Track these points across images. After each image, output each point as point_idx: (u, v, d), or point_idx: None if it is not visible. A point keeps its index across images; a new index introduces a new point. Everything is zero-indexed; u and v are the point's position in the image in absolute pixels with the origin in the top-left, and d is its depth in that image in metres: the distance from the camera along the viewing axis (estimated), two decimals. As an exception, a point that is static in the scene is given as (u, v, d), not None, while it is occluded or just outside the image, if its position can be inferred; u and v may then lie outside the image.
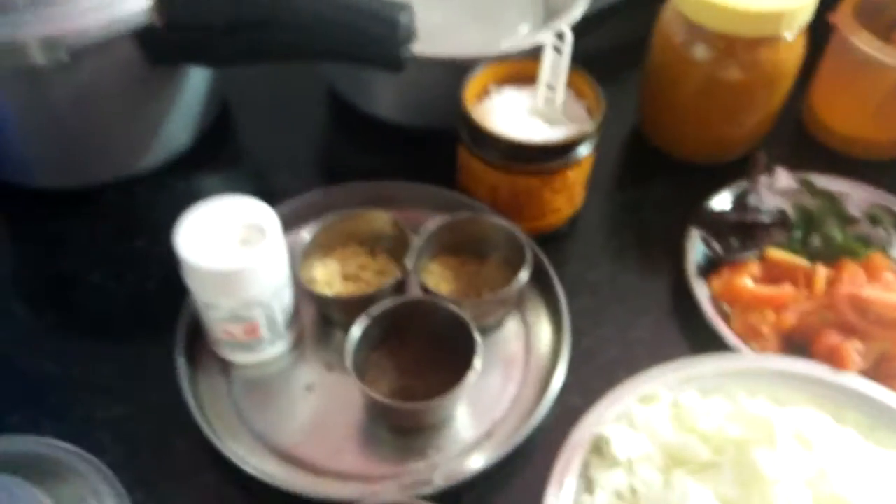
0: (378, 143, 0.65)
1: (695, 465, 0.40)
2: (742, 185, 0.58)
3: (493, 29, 0.66)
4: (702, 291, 0.53)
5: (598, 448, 0.43)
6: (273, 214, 0.47)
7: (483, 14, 0.67)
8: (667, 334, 0.53)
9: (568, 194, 0.56)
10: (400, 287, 0.52)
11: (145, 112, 0.58)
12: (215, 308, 0.47)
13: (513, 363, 0.51)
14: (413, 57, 0.53)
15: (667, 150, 0.64)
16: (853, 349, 0.47)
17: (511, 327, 0.53)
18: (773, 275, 0.52)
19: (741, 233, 0.55)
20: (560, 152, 0.53)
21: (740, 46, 0.55)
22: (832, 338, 0.47)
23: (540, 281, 0.53)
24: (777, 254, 0.53)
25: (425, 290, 0.51)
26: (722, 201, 0.57)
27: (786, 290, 0.51)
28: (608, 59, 0.65)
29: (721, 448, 0.40)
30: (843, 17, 0.60)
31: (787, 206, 0.57)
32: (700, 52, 0.56)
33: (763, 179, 0.58)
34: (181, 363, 0.49)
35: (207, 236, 0.45)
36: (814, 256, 0.54)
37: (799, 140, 0.66)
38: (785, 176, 0.59)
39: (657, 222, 0.59)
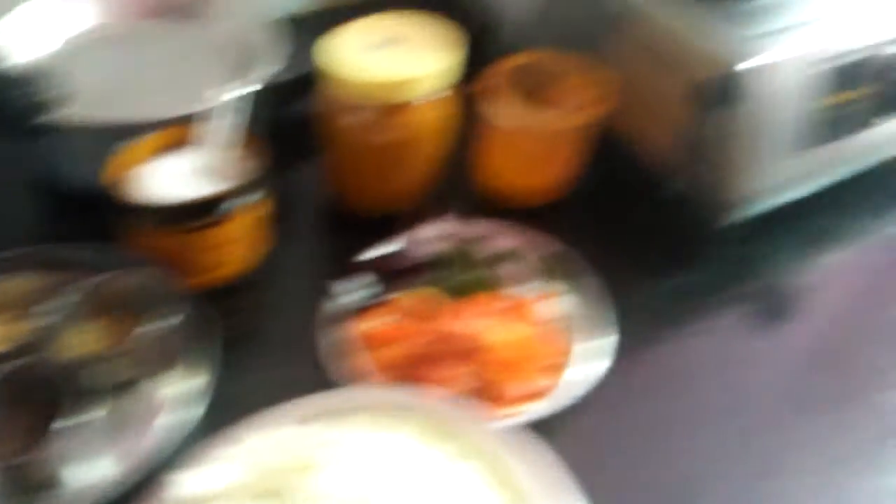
0: (59, 207, 0.67)
1: (264, 495, 0.43)
2: (401, 233, 0.64)
3: (175, 92, 0.68)
4: (345, 333, 0.57)
5: (171, 491, 0.45)
6: None
7: (164, 77, 0.70)
8: (310, 378, 0.55)
9: (231, 249, 0.60)
10: (37, 349, 0.52)
11: None
12: None
13: (151, 417, 0.52)
14: (58, 126, 0.56)
15: (347, 204, 0.69)
16: (456, 375, 0.52)
17: (160, 382, 0.54)
18: (407, 314, 0.58)
19: (387, 276, 0.60)
20: (202, 211, 0.56)
21: (378, 113, 0.61)
22: (436, 368, 0.53)
23: (197, 333, 0.56)
24: (404, 295, 0.59)
25: (66, 351, 0.52)
26: (378, 248, 0.63)
27: (410, 326, 0.56)
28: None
29: (287, 477, 0.43)
30: (487, 83, 0.67)
31: (436, 250, 0.63)
32: (346, 119, 0.62)
33: (421, 227, 0.65)
34: None
35: None
36: (452, 294, 0.60)
37: (466, 189, 0.72)
38: (440, 223, 0.65)
39: (324, 270, 0.63)
